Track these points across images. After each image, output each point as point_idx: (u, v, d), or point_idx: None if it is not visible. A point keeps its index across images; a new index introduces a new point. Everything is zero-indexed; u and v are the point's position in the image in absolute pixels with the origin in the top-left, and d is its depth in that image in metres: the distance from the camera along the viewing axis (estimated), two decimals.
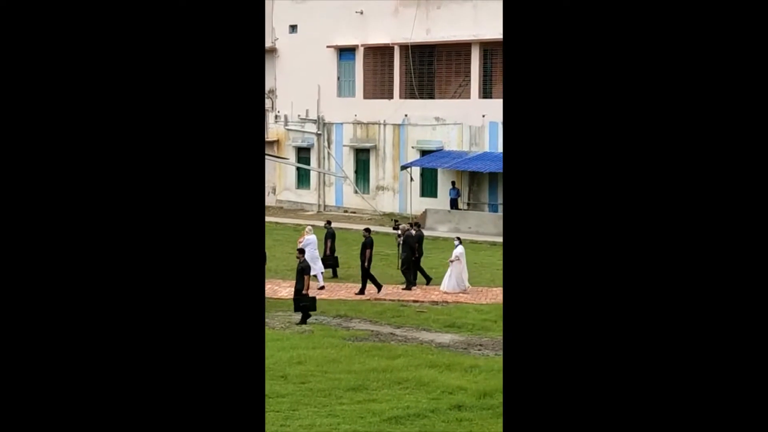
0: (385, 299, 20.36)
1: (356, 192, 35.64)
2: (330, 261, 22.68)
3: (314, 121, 36.72)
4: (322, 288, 21.29)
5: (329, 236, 22.81)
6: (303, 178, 37.75)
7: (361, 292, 20.94)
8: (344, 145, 36.11)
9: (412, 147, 34.06)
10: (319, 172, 36.51)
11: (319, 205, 36.76)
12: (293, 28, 37.29)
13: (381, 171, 35.40)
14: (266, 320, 18.46)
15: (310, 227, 23.10)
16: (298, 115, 36.99)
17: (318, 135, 36.76)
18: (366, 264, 21.04)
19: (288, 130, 37.54)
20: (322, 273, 21.90)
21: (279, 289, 20.70)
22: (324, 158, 36.85)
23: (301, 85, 36.69)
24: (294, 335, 17.12)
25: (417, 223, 23.55)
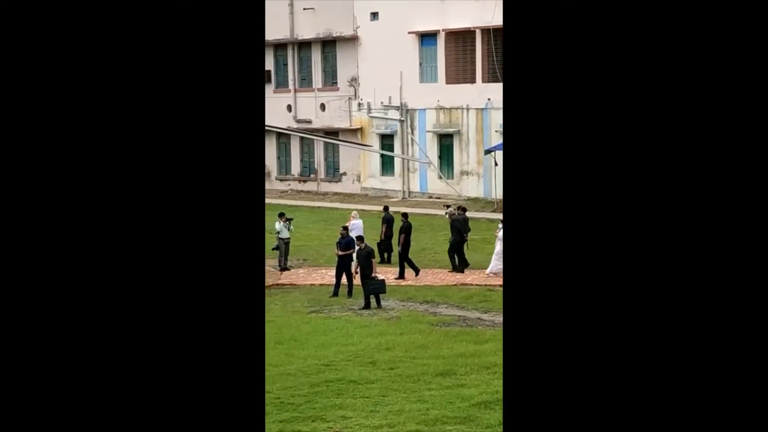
0: (471, 284, 20.36)
1: (440, 177, 35.60)
2: (383, 246, 22.90)
3: (397, 108, 36.77)
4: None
5: (385, 221, 22.98)
6: (387, 165, 37.86)
7: (401, 276, 21.16)
8: (427, 131, 36.09)
9: (496, 131, 33.87)
10: (403, 159, 36.57)
11: (404, 192, 36.83)
12: (374, 15, 37.36)
13: (465, 156, 35.29)
14: (353, 307, 18.63)
15: (355, 212, 23.46)
16: (381, 102, 37.08)
17: (401, 121, 36.81)
18: (401, 249, 21.37)
19: (371, 117, 37.66)
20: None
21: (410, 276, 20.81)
22: (407, 144, 36.89)
23: (383, 72, 36.76)
24: (382, 321, 17.23)
25: (463, 208, 23.64)
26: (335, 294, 19.67)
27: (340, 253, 20.04)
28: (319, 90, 39.21)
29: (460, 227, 21.58)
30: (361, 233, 21.74)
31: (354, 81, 38.08)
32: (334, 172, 39.61)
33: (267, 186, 40.60)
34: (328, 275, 21.54)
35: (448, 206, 25.74)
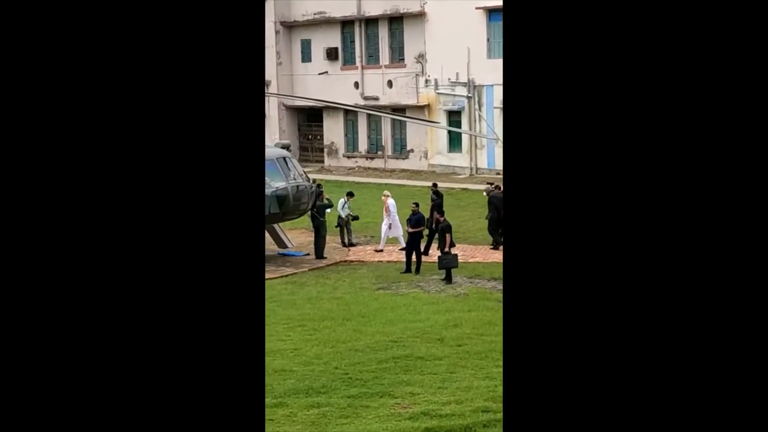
0: None
1: None
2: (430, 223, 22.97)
3: (464, 84, 36.58)
4: (380, 251, 22.10)
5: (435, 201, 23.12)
6: (454, 142, 37.73)
7: (425, 252, 21.24)
8: (495, 107, 35.85)
9: None
10: (471, 135, 36.40)
11: (471, 168, 36.69)
12: None
13: None
14: (421, 284, 18.66)
15: (387, 192, 23.56)
16: (449, 79, 36.91)
17: (469, 98, 36.61)
18: (434, 225, 21.44)
19: (438, 94, 37.52)
20: (386, 238, 22.61)
21: (433, 253, 20.83)
22: (475, 121, 36.70)
23: (450, 48, 36.57)
24: (449, 298, 17.22)
25: (498, 186, 23.56)
26: (407, 270, 19.74)
27: (411, 230, 20.09)
28: (386, 67, 39.15)
29: (497, 204, 21.57)
30: (395, 214, 22.13)
31: (421, 57, 37.94)
32: (401, 149, 39.59)
33: (334, 163, 40.79)
34: (396, 252, 21.59)
35: (490, 183, 25.81)
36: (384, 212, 22.58)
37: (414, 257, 19.87)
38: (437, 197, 23.08)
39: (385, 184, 34.81)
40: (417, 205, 20.86)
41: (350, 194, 23.71)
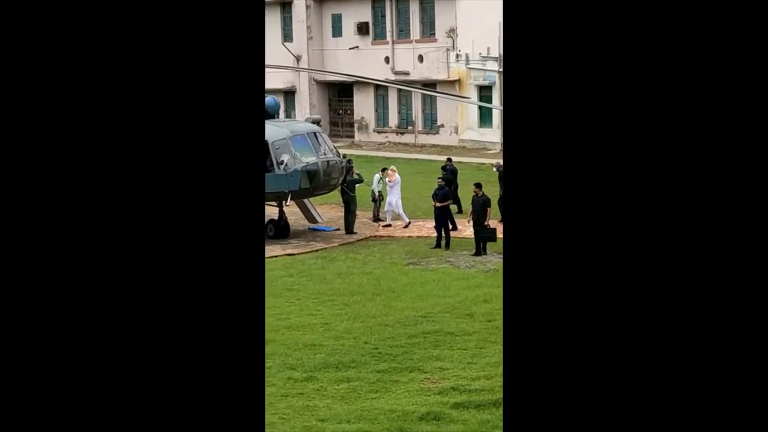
0: None
1: None
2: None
3: (495, 59, 36.36)
4: (388, 226, 22.25)
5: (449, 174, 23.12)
6: (485, 117, 37.56)
7: (453, 228, 21.32)
8: None
9: None
10: (502, 110, 36.22)
11: (502, 143, 36.55)
12: None
13: None
14: (451, 259, 18.67)
15: (394, 167, 23.52)
16: (479, 53, 36.70)
17: (500, 72, 36.40)
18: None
19: (469, 68, 37.33)
20: (381, 216, 22.75)
21: (463, 228, 20.81)
22: None
23: (481, 22, 36.32)
24: (479, 274, 17.21)
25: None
26: (437, 245, 19.75)
27: (438, 204, 20.10)
28: (416, 41, 38.99)
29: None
30: (399, 190, 22.27)
31: (452, 32, 37.73)
32: (431, 124, 39.48)
33: (365, 138, 40.74)
34: (426, 227, 21.60)
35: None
36: (389, 186, 22.59)
37: (443, 233, 19.89)
38: (449, 173, 23.02)
39: (416, 159, 34.76)
40: (443, 179, 20.95)
41: (385, 170, 23.77)
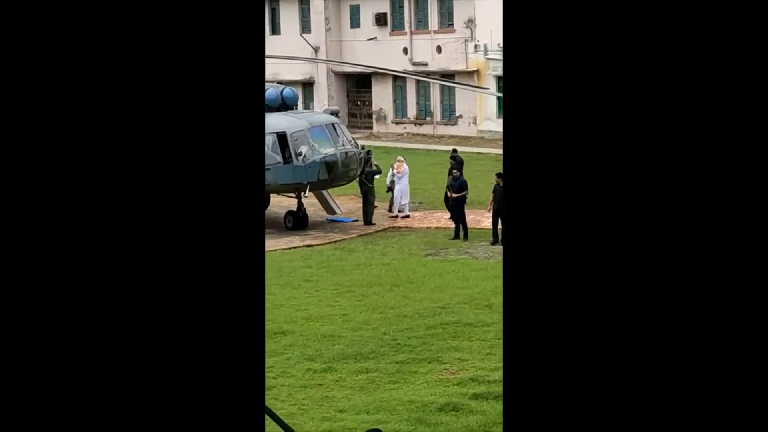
0: None
1: None
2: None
3: None
4: (395, 217, 22.35)
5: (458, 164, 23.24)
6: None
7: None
8: None
9: None
10: None
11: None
12: None
13: None
14: (470, 250, 18.65)
15: (401, 158, 23.59)
16: (498, 44, 36.57)
17: None
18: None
19: (488, 59, 37.22)
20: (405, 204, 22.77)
21: (482, 219, 20.77)
22: None
23: (500, 13, 36.11)
24: (498, 264, 17.17)
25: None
26: (456, 236, 19.75)
27: (454, 195, 20.10)
28: (435, 32, 38.91)
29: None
30: (406, 179, 22.46)
31: (470, 22, 37.63)
32: (450, 114, 39.42)
33: (383, 129, 40.70)
34: (444, 218, 21.57)
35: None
36: (397, 178, 22.60)
37: (461, 224, 19.89)
38: (456, 163, 23.05)
39: (434, 150, 34.71)
40: (458, 170, 20.99)
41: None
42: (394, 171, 22.73)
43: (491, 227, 19.29)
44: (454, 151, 24.97)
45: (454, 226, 20.07)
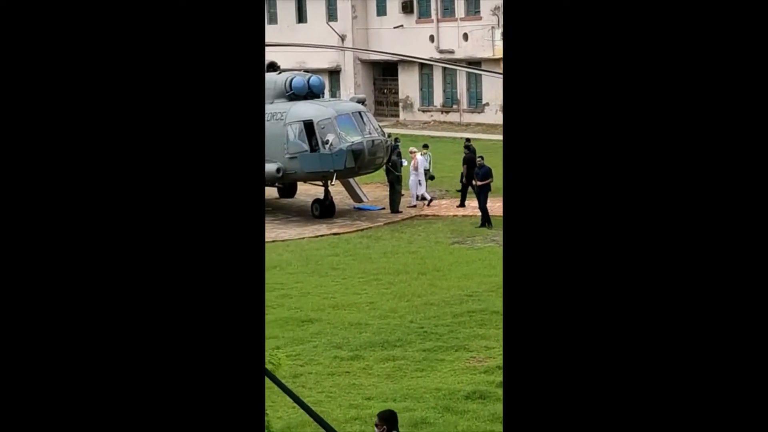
0: None
1: None
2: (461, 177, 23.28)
3: None
4: (430, 201, 22.42)
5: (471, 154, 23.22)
6: None
7: (461, 204, 21.89)
8: None
9: None
10: None
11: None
12: None
13: None
14: (497, 238, 18.62)
15: (414, 148, 23.59)
16: None
17: None
18: (464, 179, 22.07)
19: None
20: (419, 196, 22.76)
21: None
22: None
23: None
24: None
25: None
26: (483, 224, 19.73)
27: (479, 183, 20.09)
28: (461, 19, 38.78)
29: None
30: (421, 169, 22.51)
31: (497, 10, 37.46)
32: (476, 102, 39.31)
33: (410, 117, 40.67)
34: (471, 206, 21.55)
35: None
36: (412, 168, 22.62)
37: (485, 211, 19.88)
38: (470, 152, 23.04)
39: (461, 138, 34.65)
40: (482, 157, 21.02)
41: (426, 146, 23.93)
42: (412, 163, 22.77)
43: None
44: (468, 140, 24.99)
45: (480, 214, 20.05)
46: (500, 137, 29.20)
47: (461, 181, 22.37)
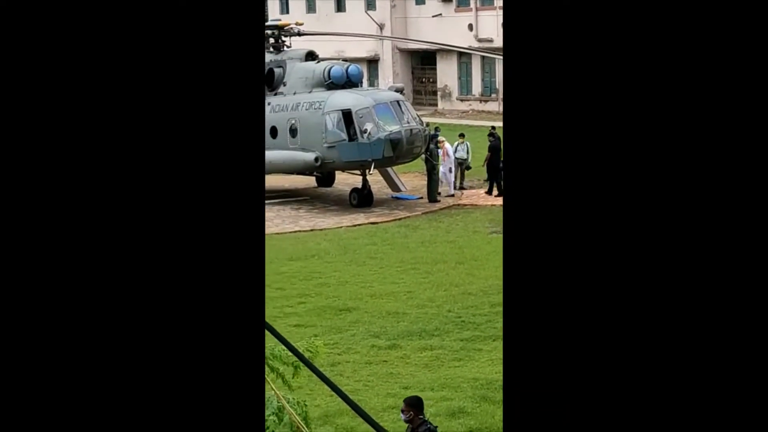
0: None
1: None
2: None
3: None
4: (451, 195, 22.53)
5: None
6: None
7: (489, 192, 22.51)
8: None
9: None
10: None
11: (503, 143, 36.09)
12: None
13: None
14: None
15: (443, 138, 23.57)
16: None
17: None
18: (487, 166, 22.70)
19: None
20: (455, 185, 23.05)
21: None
22: None
23: None
24: None
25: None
26: None
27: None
28: (500, 8, 38.57)
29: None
30: (451, 158, 22.71)
31: None
32: None
33: (448, 106, 40.58)
34: None
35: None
36: (442, 157, 22.60)
37: None
38: (495, 140, 23.03)
39: (499, 127, 34.52)
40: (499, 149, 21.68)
41: (461, 135, 23.95)
42: (440, 152, 22.76)
43: None
44: (493, 128, 24.92)
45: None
46: None
47: (485, 168, 22.96)
